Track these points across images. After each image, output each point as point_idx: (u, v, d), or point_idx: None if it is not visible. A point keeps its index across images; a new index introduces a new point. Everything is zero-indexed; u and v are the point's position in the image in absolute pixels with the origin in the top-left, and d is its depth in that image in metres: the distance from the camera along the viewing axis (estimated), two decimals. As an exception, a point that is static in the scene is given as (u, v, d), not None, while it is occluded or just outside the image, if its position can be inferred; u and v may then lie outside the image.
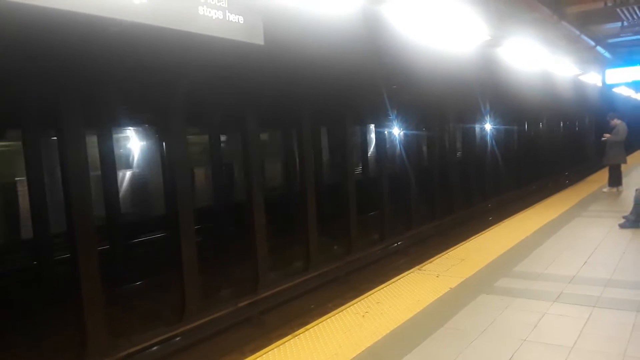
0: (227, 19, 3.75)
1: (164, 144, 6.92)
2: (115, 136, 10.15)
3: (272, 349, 4.14)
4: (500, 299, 4.88)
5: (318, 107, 8.66)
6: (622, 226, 7.56)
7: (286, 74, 6.42)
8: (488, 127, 15.22)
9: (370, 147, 17.35)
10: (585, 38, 13.97)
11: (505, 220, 9.03)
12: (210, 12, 3.69)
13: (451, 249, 7.10)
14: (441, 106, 12.24)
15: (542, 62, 14.39)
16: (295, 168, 11.83)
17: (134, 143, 12.06)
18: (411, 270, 6.12)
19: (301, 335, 4.38)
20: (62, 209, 5.57)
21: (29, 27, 4.05)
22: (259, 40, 3.99)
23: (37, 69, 5.31)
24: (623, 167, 11.59)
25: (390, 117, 10.36)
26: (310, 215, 8.18)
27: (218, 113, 9.83)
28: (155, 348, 5.73)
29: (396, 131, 11.32)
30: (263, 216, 7.30)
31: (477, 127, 15.01)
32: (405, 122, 11.17)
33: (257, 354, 4.09)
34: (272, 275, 7.59)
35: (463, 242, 7.45)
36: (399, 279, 5.78)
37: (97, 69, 5.59)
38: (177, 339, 5.97)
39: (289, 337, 4.39)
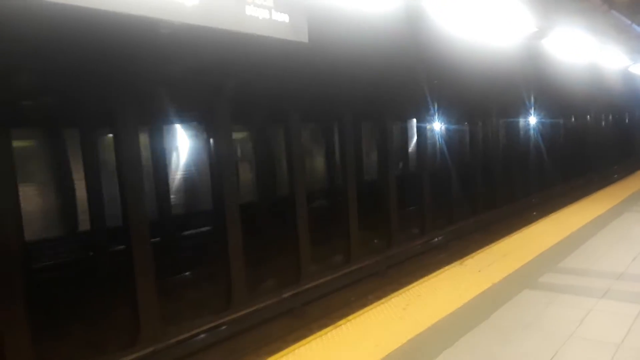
0: (273, 18, 3.88)
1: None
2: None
3: (315, 339, 4.27)
4: (544, 294, 4.84)
5: (359, 102, 8.73)
6: (674, 222, 7.30)
7: (329, 70, 6.52)
8: (532, 120, 14.85)
9: (412, 142, 17.23)
10: (636, 27, 13.40)
11: (550, 215, 8.86)
12: (257, 11, 3.83)
13: (493, 243, 7.05)
14: (484, 100, 12.05)
15: (590, 53, 13.90)
16: (337, 163, 11.92)
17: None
18: (452, 265, 6.12)
19: (342, 326, 4.48)
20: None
21: (87, 29, 4.30)
22: (304, 38, 4.11)
23: (94, 70, 5.62)
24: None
25: (432, 112, 10.31)
26: (351, 209, 8.28)
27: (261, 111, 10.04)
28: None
29: (438, 126, 11.23)
30: (305, 210, 7.45)
31: (521, 120, 14.67)
32: (447, 116, 11.07)
33: (300, 342, 4.22)
34: (314, 267, 7.74)
35: (506, 237, 7.38)
36: (440, 273, 5.81)
37: (149, 70, 5.86)
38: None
39: (331, 327, 4.51)
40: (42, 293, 7.42)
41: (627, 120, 24.35)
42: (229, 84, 6.47)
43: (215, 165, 6.74)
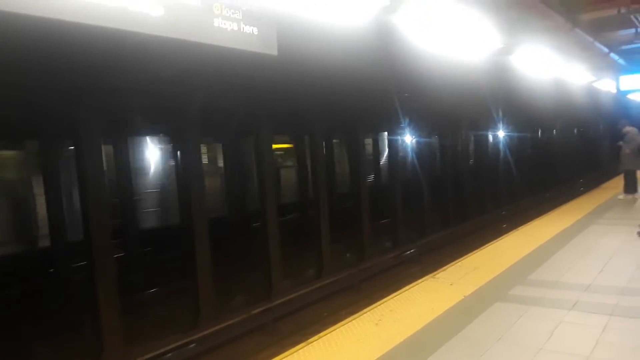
0: (242, 30, 3.82)
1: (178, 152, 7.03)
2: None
3: (286, 357, 4.16)
4: (515, 307, 4.85)
5: (330, 116, 8.72)
6: None
7: (300, 83, 6.49)
8: (501, 134, 15.17)
9: (383, 155, 17.37)
10: (599, 45, 13.92)
11: (519, 228, 8.97)
12: (225, 23, 3.76)
13: (465, 256, 7.08)
14: (454, 113, 12.23)
15: (555, 69, 14.33)
16: (308, 176, 11.86)
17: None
18: (425, 278, 6.10)
19: (314, 343, 4.39)
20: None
21: (49, 40, 4.16)
22: (273, 51, 4.06)
23: (57, 82, 5.44)
24: (639, 173, 11.46)
25: (403, 125, 10.39)
26: (323, 223, 8.21)
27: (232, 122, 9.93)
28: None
29: (409, 139, 11.34)
30: (276, 224, 7.34)
31: (490, 134, 14.96)
32: (418, 129, 11.18)
33: (273, 360, 4.11)
34: (286, 282, 7.62)
35: (477, 250, 7.42)
36: (412, 287, 5.77)
37: (115, 81, 5.70)
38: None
39: (303, 344, 4.41)
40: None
41: (591, 134, 25.16)
42: (197, 95, 6.36)
43: (183, 178, 6.58)
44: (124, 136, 9.56)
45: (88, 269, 5.57)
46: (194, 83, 6.08)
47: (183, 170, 6.46)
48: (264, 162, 7.28)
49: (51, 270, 8.73)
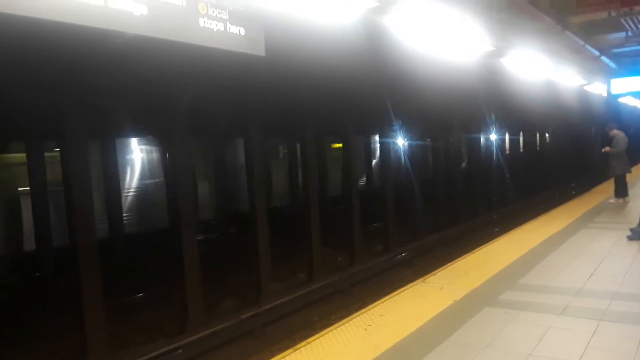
0: (228, 30, 3.75)
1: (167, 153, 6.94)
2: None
3: (276, 363, 4.09)
4: (505, 312, 4.81)
5: (320, 117, 8.66)
6: (630, 238, 7.46)
7: (289, 84, 6.43)
8: (493, 137, 15.18)
9: (374, 157, 17.33)
10: (590, 48, 13.97)
11: (510, 232, 8.95)
12: (211, 23, 3.69)
13: (455, 260, 7.03)
14: (445, 116, 12.21)
15: (546, 72, 14.37)
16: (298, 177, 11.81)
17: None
18: (415, 283, 6.05)
19: (302, 348, 4.32)
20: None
21: (33, 39, 4.07)
22: (261, 52, 3.99)
23: (41, 81, 5.34)
24: (628, 177, 11.49)
25: (394, 128, 10.34)
26: (313, 226, 8.14)
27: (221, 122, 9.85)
28: None
29: (400, 141, 11.31)
30: (266, 226, 7.26)
31: (482, 137, 14.96)
32: (409, 132, 11.15)
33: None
34: (275, 286, 7.53)
35: (468, 254, 7.38)
36: (402, 292, 5.72)
37: (99, 80, 5.62)
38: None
39: (290, 350, 4.34)
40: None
41: (583, 138, 25.28)
42: (185, 96, 6.28)
43: (171, 180, 6.49)
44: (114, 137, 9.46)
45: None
46: (180, 84, 6.01)
47: (171, 171, 6.36)
48: (253, 163, 7.21)
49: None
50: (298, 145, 11.15)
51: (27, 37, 3.88)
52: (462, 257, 7.19)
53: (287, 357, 4.18)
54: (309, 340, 4.54)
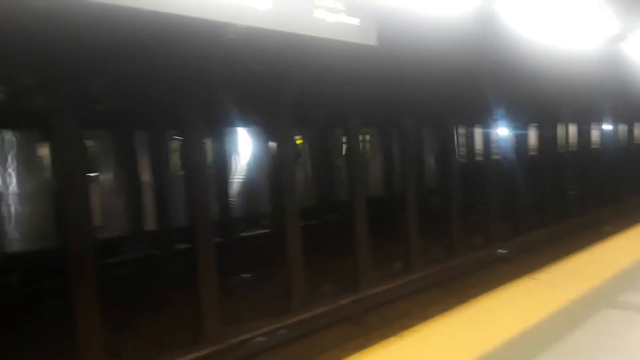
0: (344, 21, 3.82)
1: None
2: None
3: (378, 349, 4.12)
4: (625, 314, 4.47)
5: (423, 107, 8.52)
6: None
7: (393, 73, 6.38)
8: (609, 127, 13.94)
9: (476, 147, 16.67)
10: None
11: (627, 230, 8.21)
12: (327, 14, 3.78)
13: (566, 258, 6.60)
14: (556, 104, 11.43)
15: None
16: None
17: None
18: (522, 278, 5.77)
19: (406, 336, 4.31)
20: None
21: (156, 34, 4.41)
22: (373, 41, 4.02)
23: (162, 74, 5.79)
24: None
25: (499, 116, 9.90)
26: (411, 217, 8.08)
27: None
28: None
29: (505, 131, 10.78)
30: (364, 214, 7.34)
31: (597, 126, 13.80)
32: (515, 121, 10.60)
33: (362, 351, 4.09)
34: (373, 274, 7.60)
35: (579, 252, 6.89)
36: (509, 287, 5.48)
37: (213, 74, 5.96)
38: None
39: (394, 337, 4.35)
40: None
41: None
42: (291, 86, 6.49)
43: (276, 169, 6.77)
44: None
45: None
46: (286, 76, 6.21)
47: (276, 161, 6.64)
48: (353, 152, 7.30)
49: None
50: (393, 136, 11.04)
51: (168, 35, 4.21)
52: (573, 255, 6.73)
53: (391, 344, 4.20)
54: (413, 329, 4.51)
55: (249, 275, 8.74)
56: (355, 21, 3.88)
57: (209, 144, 10.25)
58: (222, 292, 5.91)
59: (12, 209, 8.88)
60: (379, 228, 9.54)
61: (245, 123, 11.43)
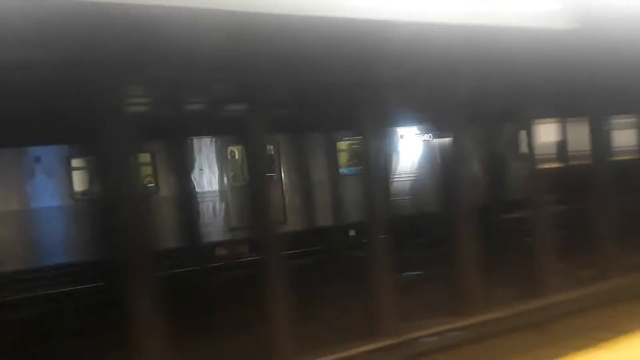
0: (543, 8, 3.61)
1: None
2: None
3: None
4: None
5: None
6: None
7: (595, 58, 5.75)
8: None
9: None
10: None
11: None
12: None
13: None
14: None
15: None
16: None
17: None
18: None
19: (609, 348, 3.87)
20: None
21: (330, 40, 4.57)
22: (576, 24, 3.72)
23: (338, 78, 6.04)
24: None
25: None
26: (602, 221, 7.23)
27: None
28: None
29: None
30: (547, 212, 6.77)
31: None
32: None
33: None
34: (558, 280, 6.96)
35: None
36: None
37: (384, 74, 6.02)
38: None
39: (591, 349, 3.94)
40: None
41: None
42: (463, 82, 6.28)
43: (449, 167, 6.62)
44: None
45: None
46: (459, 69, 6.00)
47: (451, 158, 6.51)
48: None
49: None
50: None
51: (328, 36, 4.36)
52: None
53: (590, 356, 3.82)
54: (611, 341, 4.04)
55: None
56: (556, 6, 3.61)
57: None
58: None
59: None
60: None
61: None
